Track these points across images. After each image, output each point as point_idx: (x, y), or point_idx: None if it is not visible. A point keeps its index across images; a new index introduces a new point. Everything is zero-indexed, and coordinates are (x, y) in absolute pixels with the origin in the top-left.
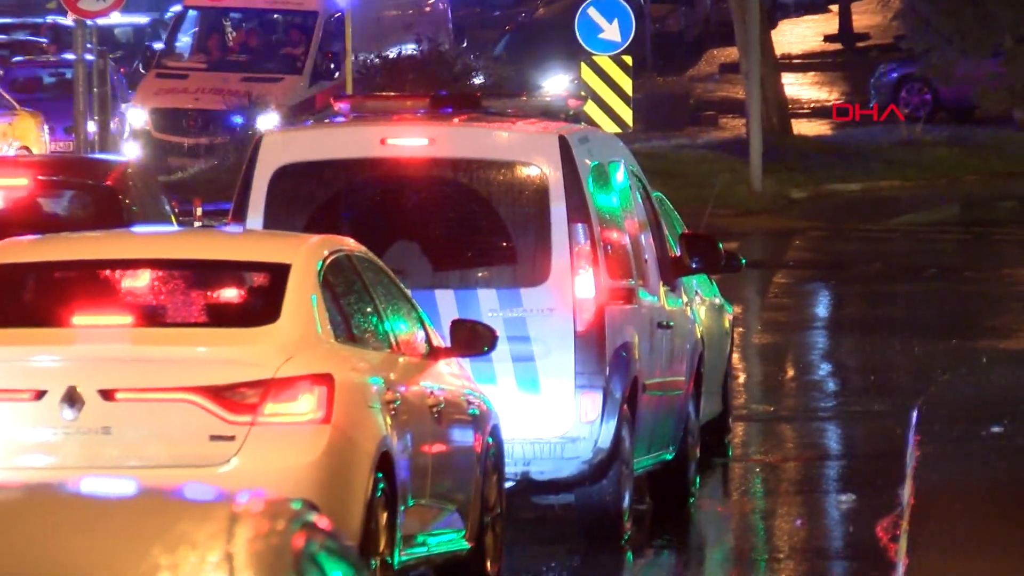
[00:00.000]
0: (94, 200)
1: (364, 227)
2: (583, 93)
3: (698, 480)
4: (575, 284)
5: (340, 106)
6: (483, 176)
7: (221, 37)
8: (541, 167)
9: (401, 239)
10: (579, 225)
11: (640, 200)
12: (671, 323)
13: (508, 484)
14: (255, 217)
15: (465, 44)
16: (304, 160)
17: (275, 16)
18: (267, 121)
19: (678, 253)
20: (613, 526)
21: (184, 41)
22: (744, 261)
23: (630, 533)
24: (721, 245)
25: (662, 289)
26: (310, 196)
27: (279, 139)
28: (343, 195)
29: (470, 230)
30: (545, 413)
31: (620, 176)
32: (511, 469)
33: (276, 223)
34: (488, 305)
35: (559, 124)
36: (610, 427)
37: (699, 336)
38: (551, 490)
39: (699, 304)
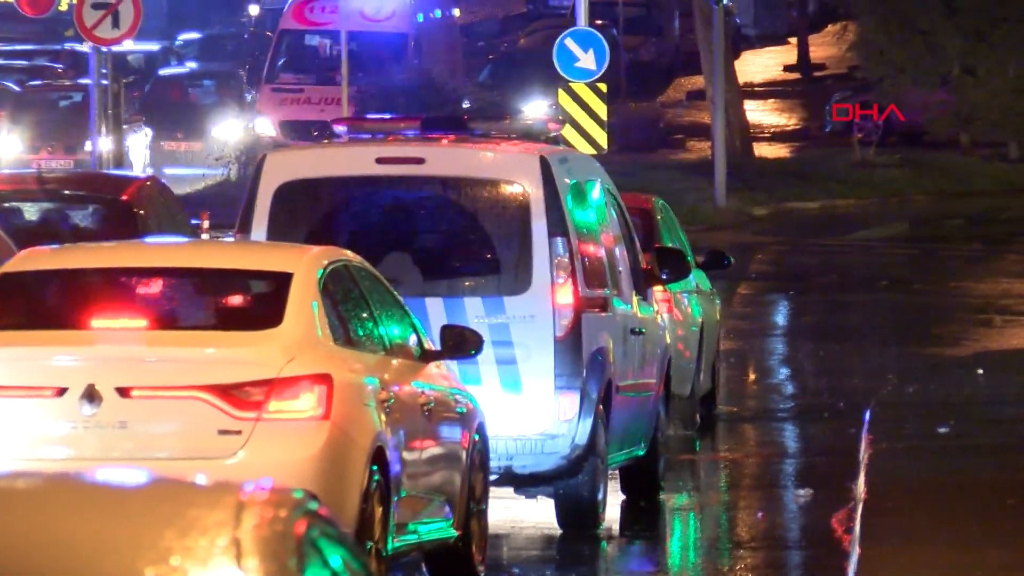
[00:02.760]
0: (112, 213)
1: (360, 239)
2: (561, 117)
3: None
4: (554, 293)
5: (338, 128)
6: (470, 193)
7: None
8: (523, 185)
9: (394, 250)
10: (558, 239)
11: (615, 216)
12: (643, 330)
13: (492, 477)
14: (259, 230)
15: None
16: (304, 177)
17: None
18: None
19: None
20: (589, 517)
21: None
22: (732, 260)
23: (604, 523)
24: (691, 257)
25: (635, 298)
26: (310, 210)
27: (281, 158)
28: (341, 210)
29: (458, 243)
30: (526, 412)
31: (596, 194)
32: (495, 463)
33: (279, 235)
34: (474, 312)
35: (540, 146)
36: (586, 425)
37: (668, 342)
38: (532, 483)
39: (696, 294)
